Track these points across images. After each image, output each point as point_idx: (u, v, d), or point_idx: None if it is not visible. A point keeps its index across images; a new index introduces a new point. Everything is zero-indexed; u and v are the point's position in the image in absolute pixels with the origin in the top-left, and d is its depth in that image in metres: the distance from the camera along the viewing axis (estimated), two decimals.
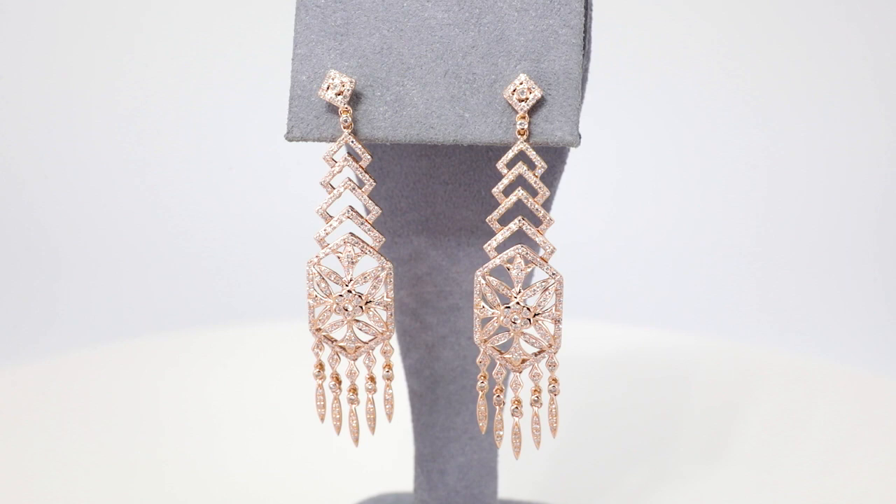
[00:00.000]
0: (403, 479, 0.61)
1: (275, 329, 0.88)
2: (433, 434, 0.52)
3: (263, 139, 1.16)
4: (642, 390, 0.77)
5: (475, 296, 0.43)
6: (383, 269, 0.42)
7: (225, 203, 1.19)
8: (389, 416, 0.45)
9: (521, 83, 0.41)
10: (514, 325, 0.43)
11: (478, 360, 0.44)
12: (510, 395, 0.44)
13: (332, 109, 0.41)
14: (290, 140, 0.42)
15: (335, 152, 0.41)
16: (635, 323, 0.91)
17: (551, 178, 0.47)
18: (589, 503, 0.64)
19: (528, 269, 0.42)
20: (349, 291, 0.42)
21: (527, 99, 0.41)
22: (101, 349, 0.86)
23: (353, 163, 0.41)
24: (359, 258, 0.42)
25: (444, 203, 0.47)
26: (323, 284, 0.43)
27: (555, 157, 0.47)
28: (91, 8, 1.19)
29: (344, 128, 0.41)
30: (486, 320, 0.43)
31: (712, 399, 0.75)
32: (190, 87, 1.20)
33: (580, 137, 0.41)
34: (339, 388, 0.44)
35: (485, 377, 0.44)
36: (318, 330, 0.43)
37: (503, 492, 0.58)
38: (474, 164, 0.47)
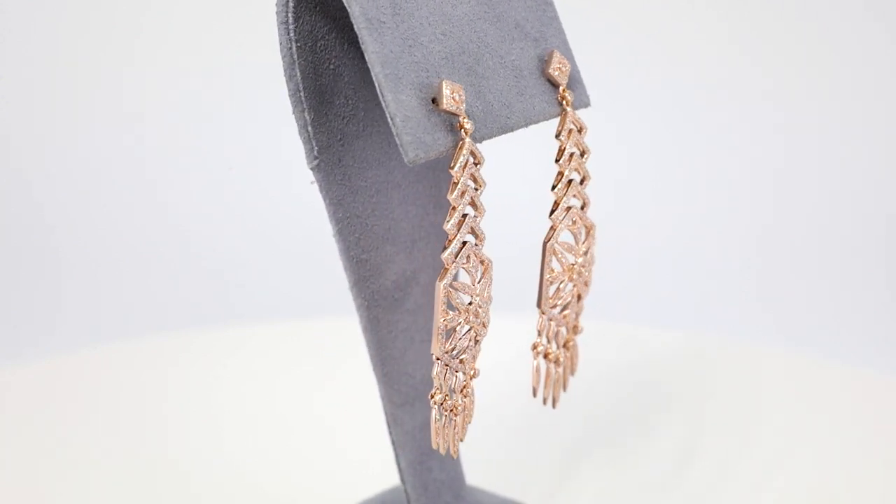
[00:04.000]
0: None
1: (275, 329, 0.88)
2: (419, 438, 0.52)
3: (263, 139, 1.16)
4: (642, 389, 0.77)
5: (546, 265, 0.44)
6: (486, 266, 0.42)
7: (225, 203, 1.19)
8: (471, 418, 0.46)
9: (558, 61, 0.44)
10: (579, 278, 0.45)
11: (538, 326, 0.45)
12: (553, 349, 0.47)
13: (445, 120, 0.40)
14: (414, 164, 0.40)
15: (465, 164, 0.40)
16: (635, 322, 0.91)
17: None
18: (588, 501, 0.64)
19: (583, 225, 0.45)
20: (476, 298, 0.42)
21: (565, 73, 0.44)
22: (102, 349, 0.86)
23: (474, 167, 0.40)
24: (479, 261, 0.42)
25: (399, 207, 0.48)
26: (457, 300, 0.41)
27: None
28: (92, 9, 1.19)
29: (466, 134, 0.40)
30: (554, 287, 0.44)
31: (711, 398, 0.75)
32: (190, 87, 1.20)
33: None
34: (450, 407, 0.44)
35: (539, 343, 0.46)
36: (447, 352, 0.42)
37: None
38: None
